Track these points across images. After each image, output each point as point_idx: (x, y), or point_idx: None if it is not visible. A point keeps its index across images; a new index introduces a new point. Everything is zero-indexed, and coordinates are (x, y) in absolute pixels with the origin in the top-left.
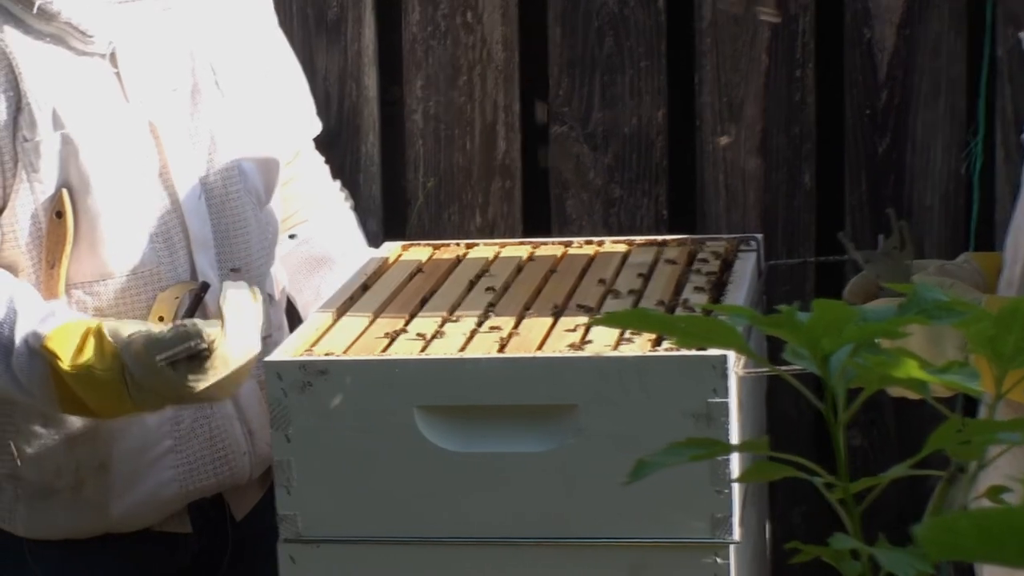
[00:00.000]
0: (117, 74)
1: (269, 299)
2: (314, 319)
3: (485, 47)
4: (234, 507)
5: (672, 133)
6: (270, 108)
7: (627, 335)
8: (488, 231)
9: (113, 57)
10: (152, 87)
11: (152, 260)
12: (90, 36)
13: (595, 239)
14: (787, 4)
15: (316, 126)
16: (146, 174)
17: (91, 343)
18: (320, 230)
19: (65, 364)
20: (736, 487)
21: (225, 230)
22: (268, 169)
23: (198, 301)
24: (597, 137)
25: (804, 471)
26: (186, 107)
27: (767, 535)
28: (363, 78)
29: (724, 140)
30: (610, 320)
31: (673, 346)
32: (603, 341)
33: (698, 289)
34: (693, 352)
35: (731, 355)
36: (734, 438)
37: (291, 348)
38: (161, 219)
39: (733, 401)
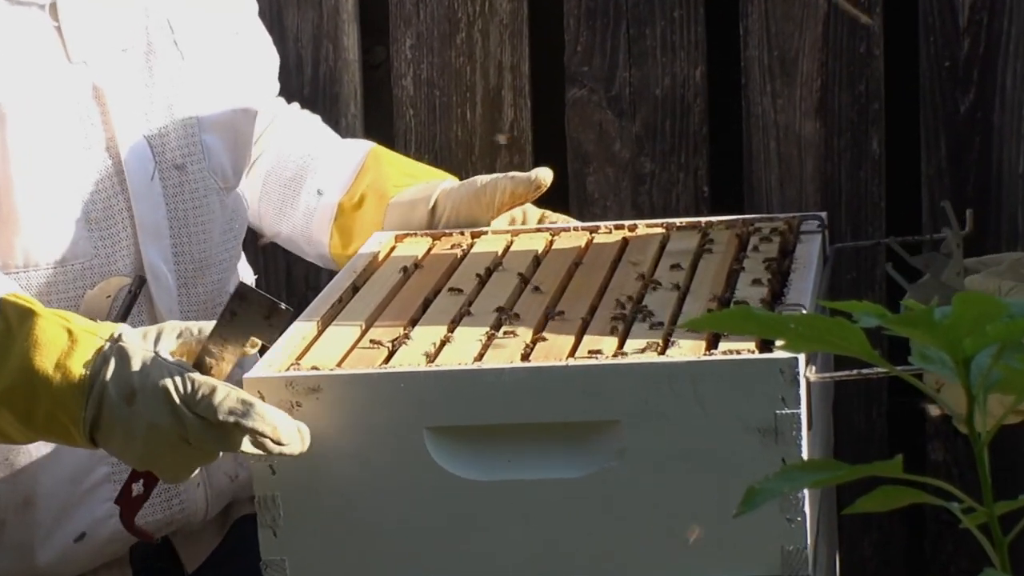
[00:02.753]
0: (58, 28)
1: None
2: (298, 327)
3: None
4: (185, 556)
5: (712, 94)
6: (239, 73)
7: (673, 337)
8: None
9: (54, 8)
10: (99, 45)
11: (87, 250)
12: None
13: (625, 223)
14: None
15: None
16: (88, 147)
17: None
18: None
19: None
20: (808, 515)
21: (183, 217)
22: (237, 145)
23: (133, 300)
24: (623, 101)
25: (936, 494)
26: (138, 70)
27: (837, 569)
28: (341, 37)
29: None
30: (707, 322)
31: (732, 349)
32: (646, 345)
33: (755, 282)
34: (756, 355)
35: (801, 358)
36: (804, 456)
37: (274, 362)
38: (103, 201)
39: (804, 413)
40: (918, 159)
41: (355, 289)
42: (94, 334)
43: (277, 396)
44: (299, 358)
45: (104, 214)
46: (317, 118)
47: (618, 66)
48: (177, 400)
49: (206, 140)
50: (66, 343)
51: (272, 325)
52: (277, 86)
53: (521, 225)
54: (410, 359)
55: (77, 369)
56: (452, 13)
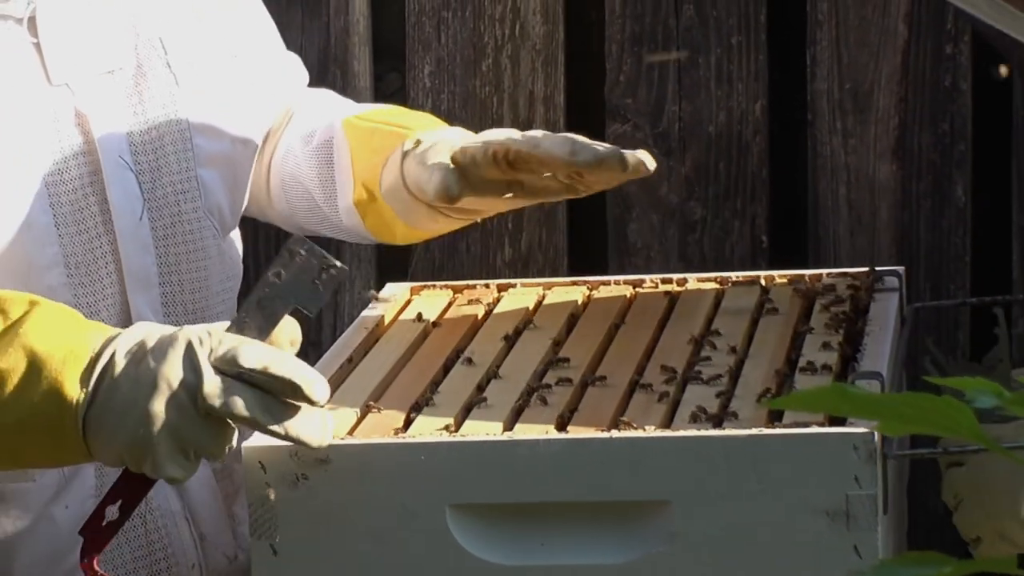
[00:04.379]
0: (36, 45)
1: None
2: None
3: (518, 19)
4: None
5: (774, 132)
6: (238, 101)
7: (731, 407)
8: (521, 266)
9: (32, 23)
10: (83, 66)
11: (66, 298)
12: None
13: (673, 277)
14: None
15: (302, 76)
16: (68, 181)
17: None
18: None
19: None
20: None
21: (175, 263)
22: (236, 183)
23: None
24: (671, 139)
25: None
26: (127, 94)
27: None
28: (351, 62)
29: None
30: (794, 402)
31: (798, 421)
32: (699, 416)
33: (825, 346)
34: (826, 429)
35: (876, 432)
36: (879, 544)
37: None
38: (85, 244)
39: (880, 494)
40: (1008, 208)
41: (366, 348)
42: (103, 324)
43: (280, 468)
44: None
45: (86, 258)
46: (328, 94)
47: (666, 99)
48: (199, 352)
49: (202, 176)
50: (74, 325)
51: (320, 289)
52: (299, 79)
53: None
54: (431, 428)
55: (86, 344)
56: (477, 37)
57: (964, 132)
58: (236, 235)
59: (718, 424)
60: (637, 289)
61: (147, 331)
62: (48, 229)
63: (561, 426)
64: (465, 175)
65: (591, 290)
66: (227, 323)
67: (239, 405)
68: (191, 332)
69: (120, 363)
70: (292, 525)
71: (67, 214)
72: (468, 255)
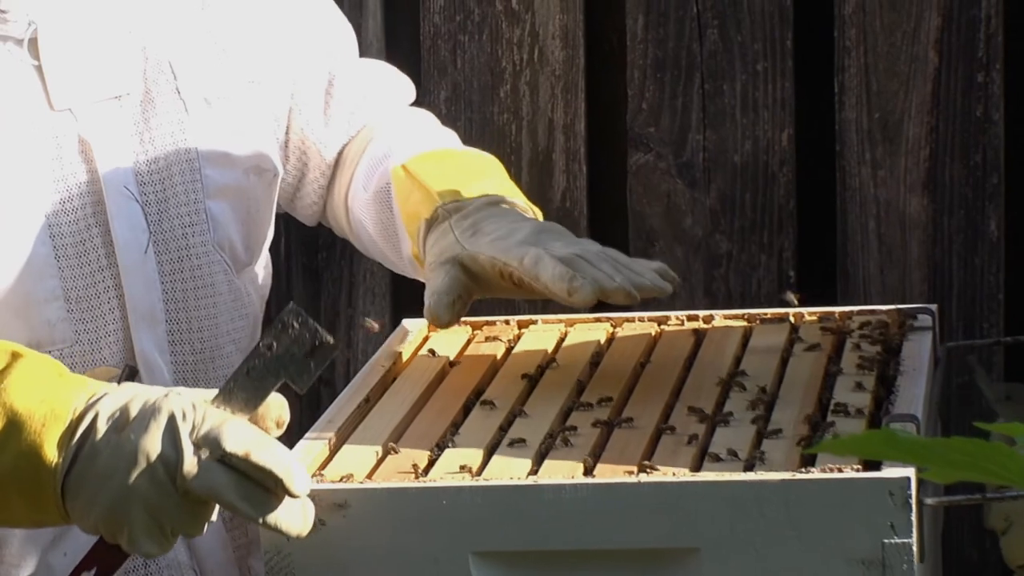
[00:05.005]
0: (38, 68)
1: None
2: (321, 430)
3: (536, 43)
4: None
5: (801, 162)
6: (255, 129)
7: (763, 450)
8: (541, 302)
9: (34, 44)
10: (87, 90)
11: (66, 334)
12: (2, 11)
13: (699, 313)
14: None
15: (405, 92)
16: (71, 212)
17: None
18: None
19: None
20: None
21: (182, 299)
22: (250, 216)
23: None
24: (696, 169)
25: None
26: (133, 121)
27: None
28: None
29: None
30: (839, 447)
31: (832, 466)
32: (728, 460)
33: (857, 387)
34: (861, 475)
35: (913, 478)
36: None
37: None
38: (87, 277)
39: (916, 542)
40: None
41: (384, 387)
42: (89, 380)
43: None
44: (322, 467)
45: (88, 292)
46: (413, 120)
47: (690, 127)
48: (181, 428)
49: (212, 208)
50: (56, 382)
51: (312, 364)
52: (407, 90)
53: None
54: (452, 471)
55: (67, 403)
56: (495, 62)
57: (997, 164)
58: (258, 271)
59: (749, 468)
60: (662, 326)
61: (131, 395)
62: (48, 261)
63: (588, 470)
64: (473, 279)
65: (614, 327)
66: (214, 392)
67: (218, 489)
68: (175, 404)
69: (101, 429)
70: (309, 573)
71: (68, 246)
72: None
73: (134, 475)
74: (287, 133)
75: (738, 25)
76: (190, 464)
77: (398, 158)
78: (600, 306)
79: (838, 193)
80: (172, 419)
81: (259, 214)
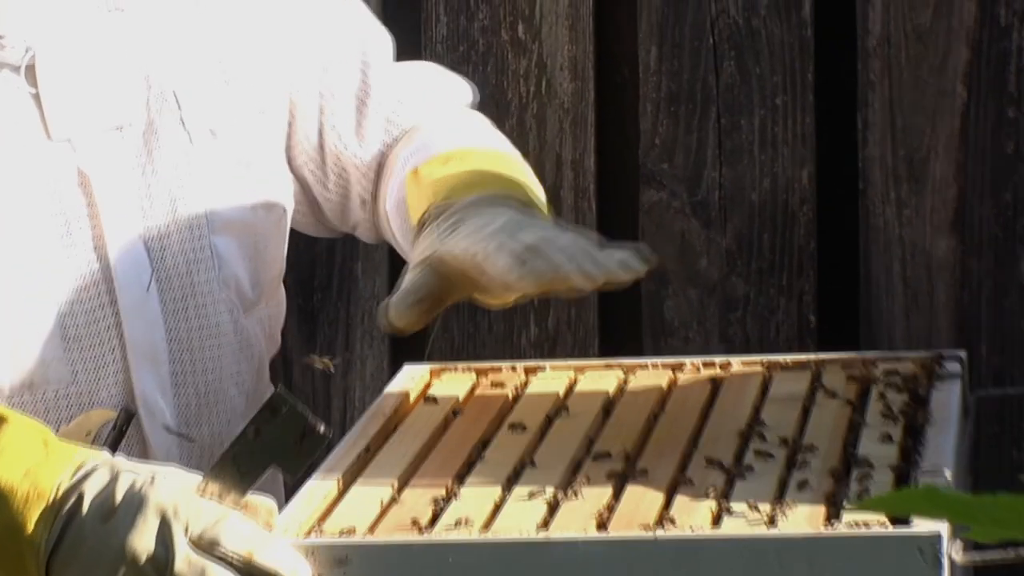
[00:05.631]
0: (36, 96)
1: None
2: (319, 482)
3: (544, 74)
4: None
5: (822, 201)
6: (264, 162)
7: (785, 503)
8: (548, 346)
9: (31, 71)
10: (87, 120)
11: (63, 374)
12: None
13: (715, 360)
14: (995, 12)
15: (455, 92)
16: (69, 247)
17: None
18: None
19: None
20: None
21: (185, 339)
22: (258, 252)
23: (119, 439)
24: (711, 207)
25: None
26: (135, 153)
27: None
28: None
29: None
30: (880, 504)
31: (858, 521)
32: (749, 514)
33: (884, 438)
34: (889, 530)
35: (944, 534)
36: None
37: (291, 524)
38: (85, 315)
39: None
40: None
41: (385, 436)
42: (75, 449)
43: None
44: (321, 520)
45: (86, 331)
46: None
47: (706, 164)
48: (174, 527)
49: (217, 244)
50: (40, 453)
51: (302, 451)
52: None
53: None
54: (458, 526)
55: (51, 478)
56: (500, 93)
57: None
58: (267, 310)
59: (771, 523)
60: (677, 373)
61: (116, 476)
62: (43, 298)
63: (601, 524)
64: (447, 280)
65: (626, 374)
66: (198, 477)
67: None
68: (164, 497)
69: (85, 513)
70: None
71: (65, 282)
72: (490, 334)
73: (121, 574)
74: (321, 152)
75: (756, 57)
76: (182, 563)
77: (414, 162)
78: (611, 352)
79: (861, 233)
80: (164, 517)
81: (267, 251)
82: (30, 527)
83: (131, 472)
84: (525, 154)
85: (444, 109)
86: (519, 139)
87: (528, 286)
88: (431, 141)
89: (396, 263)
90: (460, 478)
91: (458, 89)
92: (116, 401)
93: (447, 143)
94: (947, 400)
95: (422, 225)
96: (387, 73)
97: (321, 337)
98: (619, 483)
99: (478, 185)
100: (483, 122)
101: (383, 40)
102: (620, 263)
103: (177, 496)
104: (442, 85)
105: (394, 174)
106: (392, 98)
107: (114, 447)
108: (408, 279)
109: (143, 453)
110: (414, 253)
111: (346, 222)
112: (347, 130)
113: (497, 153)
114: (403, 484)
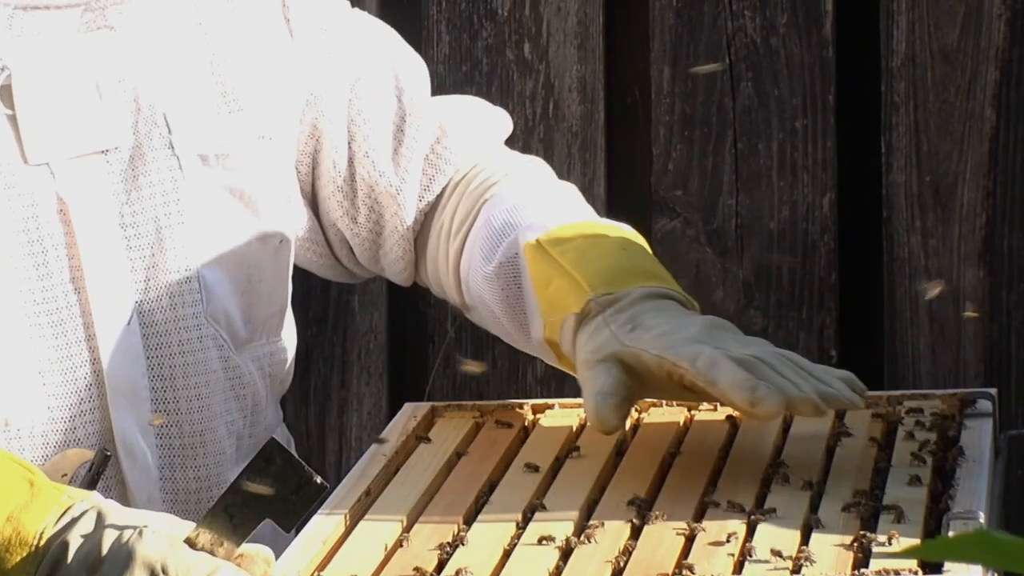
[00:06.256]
0: (12, 118)
1: None
2: (318, 524)
3: (551, 96)
4: None
5: (844, 230)
6: (261, 190)
7: (810, 549)
8: (556, 384)
9: (8, 91)
10: (67, 143)
11: (39, 413)
12: None
13: None
14: (1017, 29)
15: (497, 127)
16: (45, 277)
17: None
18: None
19: None
20: None
21: (168, 377)
22: (251, 287)
23: (94, 481)
24: (727, 236)
25: None
26: (119, 179)
27: None
28: None
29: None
30: (930, 550)
31: (888, 568)
32: (772, 561)
33: (913, 480)
34: None
35: None
36: None
37: (290, 571)
38: (61, 349)
39: None
40: None
41: (386, 479)
42: (61, 491)
43: None
44: (320, 568)
45: (62, 366)
46: (529, 173)
47: (721, 191)
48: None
49: (206, 277)
50: (25, 495)
51: (297, 503)
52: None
53: None
54: (466, 572)
55: (35, 524)
56: None
57: None
58: (267, 348)
59: (796, 571)
60: (692, 412)
61: (102, 524)
62: (19, 331)
63: (616, 572)
64: (635, 378)
65: (640, 412)
66: (190, 526)
67: None
68: (152, 554)
69: (70, 559)
70: None
71: (41, 314)
72: (494, 371)
73: None
74: (352, 183)
75: (775, 78)
76: None
77: (529, 232)
78: None
79: (885, 264)
80: (152, 573)
81: (263, 285)
82: (13, 573)
83: (118, 522)
84: None
85: (513, 159)
86: None
87: (765, 411)
88: (535, 205)
89: (394, 298)
90: (467, 522)
91: (499, 122)
92: (94, 441)
93: (558, 211)
94: (977, 440)
95: (583, 316)
96: (424, 100)
97: (315, 374)
98: (635, 528)
99: (636, 276)
100: (549, 171)
101: (418, 67)
102: (841, 390)
103: (165, 550)
104: (483, 118)
105: (476, 232)
106: (432, 126)
107: (91, 486)
108: (602, 380)
109: (122, 497)
110: (586, 346)
111: (378, 262)
112: (382, 157)
113: (620, 230)
114: (406, 529)
